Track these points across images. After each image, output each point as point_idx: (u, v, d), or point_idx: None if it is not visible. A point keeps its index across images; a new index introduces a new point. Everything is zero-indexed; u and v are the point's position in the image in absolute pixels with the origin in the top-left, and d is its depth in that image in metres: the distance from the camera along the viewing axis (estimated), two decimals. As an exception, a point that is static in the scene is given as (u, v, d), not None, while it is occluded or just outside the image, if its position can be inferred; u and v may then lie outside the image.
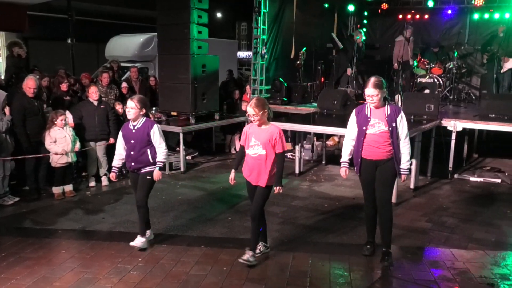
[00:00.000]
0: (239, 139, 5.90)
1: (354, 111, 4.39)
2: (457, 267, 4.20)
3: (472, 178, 7.32)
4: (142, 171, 4.56)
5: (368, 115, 4.20)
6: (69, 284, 3.88)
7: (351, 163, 4.38)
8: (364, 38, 10.34)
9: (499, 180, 7.20)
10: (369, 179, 4.29)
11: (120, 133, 4.69)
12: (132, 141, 4.54)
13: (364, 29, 12.01)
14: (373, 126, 4.16)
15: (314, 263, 4.29)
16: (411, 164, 4.41)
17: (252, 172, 4.17)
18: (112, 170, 4.79)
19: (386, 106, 4.19)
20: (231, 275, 4.04)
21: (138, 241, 4.56)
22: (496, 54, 9.48)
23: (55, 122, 6.14)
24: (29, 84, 6.11)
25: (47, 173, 6.46)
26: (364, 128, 4.18)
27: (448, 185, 7.05)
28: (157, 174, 4.55)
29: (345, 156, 4.40)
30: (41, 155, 6.20)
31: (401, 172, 4.21)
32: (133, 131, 4.55)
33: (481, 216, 5.67)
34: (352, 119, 4.36)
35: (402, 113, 4.21)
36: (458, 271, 4.12)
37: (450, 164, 7.28)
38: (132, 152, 4.55)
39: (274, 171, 4.13)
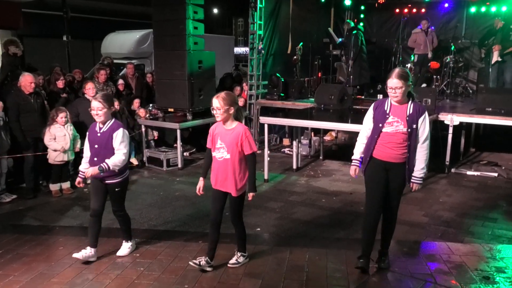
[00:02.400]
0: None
1: (372, 105, 3.94)
2: (453, 260, 4.22)
3: (469, 172, 7.34)
4: (107, 182, 4.10)
5: (387, 112, 3.76)
6: (67, 280, 3.89)
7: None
8: (352, 24, 10.34)
9: (495, 174, 7.22)
10: (376, 182, 3.85)
11: (87, 134, 4.21)
12: (96, 146, 4.06)
13: (362, 23, 12.02)
14: (391, 124, 3.72)
15: (311, 257, 4.30)
16: (425, 173, 3.90)
17: (219, 178, 3.83)
18: (79, 175, 4.23)
19: (410, 103, 3.74)
20: (228, 270, 4.05)
21: (125, 249, 4.39)
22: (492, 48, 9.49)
23: (56, 120, 6.14)
24: (27, 80, 6.10)
25: (44, 169, 6.46)
26: (380, 125, 3.76)
27: (445, 179, 7.07)
28: (90, 172, 3.97)
29: (357, 154, 4.01)
30: (38, 153, 6.19)
31: (413, 181, 3.79)
32: (98, 134, 4.07)
33: (478, 209, 5.70)
34: (369, 114, 3.91)
35: (426, 113, 3.76)
36: (454, 264, 4.14)
37: (447, 159, 7.29)
38: (96, 159, 4.05)
39: (242, 176, 3.81)
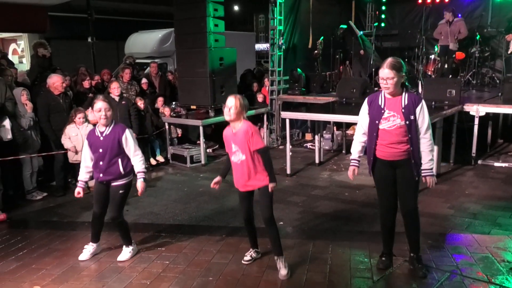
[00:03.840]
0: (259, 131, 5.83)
1: (366, 99, 3.79)
2: (479, 252, 4.16)
3: (496, 164, 7.18)
4: (113, 184, 4.07)
5: (382, 106, 3.60)
6: (96, 273, 4.02)
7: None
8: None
9: (524, 165, 7.05)
10: (385, 181, 3.75)
11: (86, 142, 4.13)
12: (101, 150, 4.01)
13: (383, 16, 11.87)
14: (387, 119, 3.57)
15: (334, 250, 4.32)
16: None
17: (241, 181, 3.82)
18: (78, 185, 4.19)
19: (404, 94, 3.58)
20: (251, 263, 4.10)
21: (126, 253, 4.28)
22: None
23: (74, 120, 6.28)
24: (56, 81, 6.30)
25: (72, 168, 6.65)
26: (377, 122, 3.60)
27: (472, 171, 6.94)
28: (141, 186, 4.05)
29: (354, 154, 3.89)
30: (62, 151, 6.37)
31: (424, 174, 3.62)
32: (101, 138, 4.01)
33: (506, 201, 5.58)
34: (364, 109, 3.76)
35: (422, 102, 3.58)
36: (480, 256, 4.08)
37: (474, 150, 7.15)
38: (101, 163, 4.02)
39: (263, 171, 3.75)
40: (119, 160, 4.03)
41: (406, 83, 3.66)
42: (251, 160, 3.72)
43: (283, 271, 3.83)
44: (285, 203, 5.73)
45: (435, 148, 6.33)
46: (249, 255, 4.15)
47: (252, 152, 3.70)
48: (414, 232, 3.81)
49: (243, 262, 4.10)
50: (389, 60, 3.55)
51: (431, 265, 3.95)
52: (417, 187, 3.75)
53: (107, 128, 4.03)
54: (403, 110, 3.54)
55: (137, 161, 4.08)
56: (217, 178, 4.02)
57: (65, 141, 6.28)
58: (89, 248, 4.35)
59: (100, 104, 3.95)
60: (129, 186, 4.19)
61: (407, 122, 3.53)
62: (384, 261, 3.94)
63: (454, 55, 9.96)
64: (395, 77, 3.50)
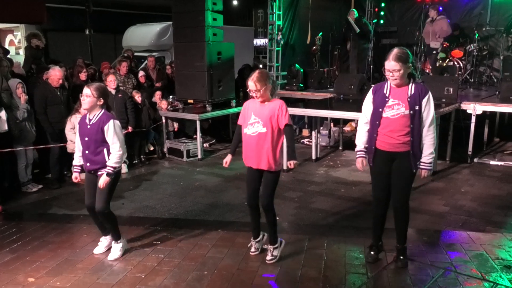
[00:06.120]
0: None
1: (371, 89, 3.79)
2: (474, 249, 4.18)
3: (492, 162, 7.20)
4: (99, 174, 3.97)
5: (387, 95, 3.56)
6: (91, 266, 4.01)
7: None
8: (356, 15, 10.14)
9: (520, 164, 7.07)
10: (381, 174, 3.74)
11: (78, 126, 4.13)
12: (86, 139, 3.95)
13: (382, 12, 11.83)
14: (391, 108, 3.52)
15: (329, 246, 4.32)
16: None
17: (252, 154, 3.76)
18: (74, 169, 4.18)
19: (411, 84, 3.53)
20: (247, 257, 4.10)
21: (116, 252, 4.17)
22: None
23: (80, 111, 6.25)
24: (56, 75, 6.26)
25: (68, 160, 6.62)
26: (380, 110, 3.56)
27: (467, 169, 6.96)
28: (103, 181, 3.88)
29: (360, 144, 3.81)
30: (61, 144, 6.34)
31: (421, 167, 3.58)
32: (88, 126, 3.94)
33: (501, 199, 5.60)
34: (368, 98, 3.73)
35: (429, 94, 3.52)
36: (474, 253, 4.09)
37: (470, 148, 7.17)
38: (87, 151, 3.97)
39: (279, 151, 3.74)
40: (105, 150, 3.94)
41: (414, 73, 3.62)
42: (274, 135, 3.70)
43: (269, 257, 3.97)
44: (281, 199, 5.73)
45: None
46: (253, 246, 4.15)
47: (276, 128, 3.68)
48: (402, 224, 3.83)
49: (250, 253, 4.13)
50: (395, 51, 3.50)
51: (426, 262, 3.96)
52: (411, 180, 3.72)
53: (94, 116, 3.95)
54: (408, 99, 3.50)
55: (111, 154, 3.92)
56: (228, 157, 4.00)
57: (69, 133, 6.21)
58: (104, 242, 4.30)
59: (84, 90, 3.93)
60: (118, 175, 4.07)
61: (411, 112, 3.48)
62: (372, 255, 3.97)
63: (435, 53, 9.87)
64: (401, 68, 3.46)
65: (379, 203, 3.86)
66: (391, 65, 3.47)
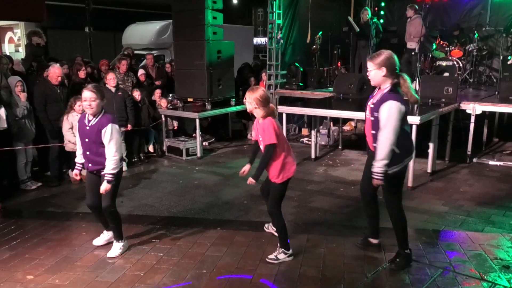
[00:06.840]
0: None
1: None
2: (472, 249, 4.18)
3: (491, 162, 7.21)
4: (103, 174, 3.95)
5: (372, 95, 3.69)
6: (90, 263, 4.01)
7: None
8: (369, 15, 10.09)
9: (519, 164, 7.07)
10: (366, 171, 3.88)
11: (77, 126, 4.14)
12: (87, 140, 3.97)
13: (382, 12, 11.82)
14: (367, 109, 3.65)
15: (328, 245, 4.33)
16: (387, 166, 3.46)
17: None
18: (76, 167, 4.22)
19: (385, 91, 3.51)
20: (246, 256, 4.11)
21: (116, 249, 4.19)
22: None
23: (74, 108, 6.25)
24: (56, 72, 6.25)
25: (67, 158, 6.62)
26: (366, 108, 3.73)
27: (466, 169, 6.96)
28: (104, 188, 3.89)
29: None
30: (60, 144, 6.33)
31: (372, 175, 3.51)
32: (87, 127, 3.94)
33: (499, 199, 5.60)
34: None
35: (389, 102, 3.39)
36: (473, 253, 4.10)
37: (469, 148, 7.17)
38: (88, 152, 4.00)
39: (279, 164, 3.86)
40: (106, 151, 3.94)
41: (397, 80, 3.54)
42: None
43: (271, 256, 4.02)
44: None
45: (431, 145, 6.43)
46: (265, 228, 4.58)
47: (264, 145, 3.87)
48: (394, 224, 3.85)
49: (265, 228, 4.54)
50: (377, 52, 3.60)
51: (424, 261, 3.96)
52: (391, 183, 3.61)
53: (94, 118, 3.93)
54: (371, 106, 3.59)
55: (107, 160, 3.90)
56: (246, 167, 4.12)
57: (68, 133, 6.22)
58: (105, 236, 4.39)
59: (85, 93, 3.86)
60: (119, 175, 4.08)
61: (372, 118, 3.57)
62: (362, 240, 4.22)
63: (414, 54, 9.78)
64: (372, 69, 3.53)
65: (364, 198, 4.08)
66: (367, 64, 3.61)
